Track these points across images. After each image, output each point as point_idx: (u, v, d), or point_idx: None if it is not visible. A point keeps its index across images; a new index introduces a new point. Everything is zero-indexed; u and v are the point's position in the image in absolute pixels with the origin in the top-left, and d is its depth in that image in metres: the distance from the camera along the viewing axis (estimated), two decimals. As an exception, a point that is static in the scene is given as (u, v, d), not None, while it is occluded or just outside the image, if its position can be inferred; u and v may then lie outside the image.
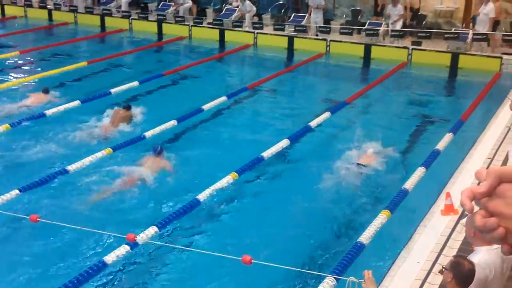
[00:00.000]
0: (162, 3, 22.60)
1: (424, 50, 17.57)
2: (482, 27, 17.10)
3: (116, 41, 21.23)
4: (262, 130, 12.12)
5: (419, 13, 19.42)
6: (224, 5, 21.97)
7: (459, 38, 17.33)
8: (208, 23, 21.00)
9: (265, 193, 9.35)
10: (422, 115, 13.36)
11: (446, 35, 17.64)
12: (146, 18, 21.88)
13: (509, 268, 4.96)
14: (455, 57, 16.94)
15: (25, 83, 14.49)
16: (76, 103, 12.57)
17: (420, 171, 9.22)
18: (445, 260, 6.02)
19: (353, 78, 17.38)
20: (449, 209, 7.69)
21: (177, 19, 21.20)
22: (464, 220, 7.15)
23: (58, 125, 11.43)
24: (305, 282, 6.82)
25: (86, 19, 22.64)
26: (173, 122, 11.51)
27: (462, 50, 17.16)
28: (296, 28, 19.44)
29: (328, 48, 18.57)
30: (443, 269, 4.66)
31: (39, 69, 16.30)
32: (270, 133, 11.68)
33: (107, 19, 22.25)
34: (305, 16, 20.02)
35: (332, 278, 6.13)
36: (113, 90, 13.63)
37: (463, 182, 8.69)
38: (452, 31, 17.85)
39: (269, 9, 21.60)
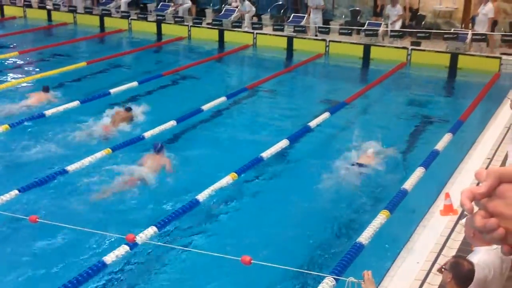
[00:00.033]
0: (161, 3, 22.60)
1: (423, 50, 17.59)
2: (481, 28, 17.11)
3: (116, 42, 21.23)
4: (261, 130, 12.13)
5: (418, 14, 19.43)
6: (223, 5, 21.98)
7: (458, 39, 17.35)
8: (208, 24, 21.01)
9: (265, 193, 9.35)
10: (422, 116, 13.37)
11: (445, 36, 17.65)
12: (145, 19, 21.89)
13: (508, 268, 4.97)
14: (454, 58, 16.95)
15: (24, 84, 14.49)
16: (76, 103, 12.57)
17: (419, 172, 9.23)
18: (444, 260, 6.02)
19: (353, 79, 17.39)
20: (448, 209, 7.69)
21: (176, 19, 21.20)
22: (463, 221, 7.16)
23: (57, 125, 11.43)
24: (304, 283, 6.82)
25: (85, 19, 22.64)
26: (173, 123, 11.51)
27: (461, 51, 17.17)
28: (295, 28, 19.44)
29: (327, 49, 18.58)
30: (443, 270, 4.66)
31: (39, 69, 16.29)
32: (269, 133, 11.68)
33: (106, 19, 22.26)
34: (304, 16, 20.03)
35: (332, 279, 6.13)
36: (112, 91, 13.63)
37: (462, 182, 8.70)
38: (451, 31, 17.87)
39: (269, 10, 21.60)
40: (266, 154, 9.99)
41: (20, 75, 15.56)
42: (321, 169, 9.61)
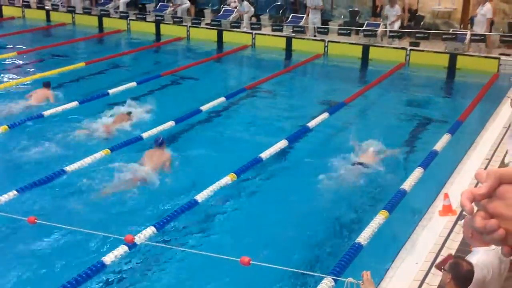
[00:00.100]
0: (160, 3, 22.60)
1: (422, 51, 17.59)
2: (480, 28, 17.13)
3: (114, 42, 21.23)
4: (260, 131, 12.12)
5: (417, 14, 19.45)
6: (222, 5, 21.98)
7: (457, 39, 17.36)
8: (206, 24, 21.01)
9: (264, 194, 9.35)
10: (420, 116, 13.37)
11: (444, 36, 17.66)
12: (144, 19, 21.88)
13: (507, 268, 4.97)
14: (453, 58, 16.96)
15: (23, 84, 14.47)
16: (74, 104, 12.56)
17: (418, 172, 9.23)
18: (441, 258, 6.02)
19: (351, 79, 17.39)
20: (447, 209, 7.69)
21: (175, 19, 21.20)
22: (462, 221, 7.16)
23: (56, 126, 11.42)
24: (303, 283, 6.82)
25: (84, 19, 22.63)
26: (171, 123, 11.50)
27: (460, 51, 17.18)
28: (294, 29, 19.45)
29: (326, 49, 18.58)
30: (442, 270, 4.66)
31: (37, 69, 16.27)
32: (268, 134, 11.67)
33: (105, 19, 22.25)
34: (303, 17, 20.04)
35: (331, 279, 6.12)
36: (111, 91, 13.62)
37: (461, 182, 8.71)
38: (450, 32, 17.88)
39: (267, 10, 21.60)
40: (265, 154, 9.99)
41: (18, 76, 15.54)
42: (320, 169, 9.61)
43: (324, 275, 6.27)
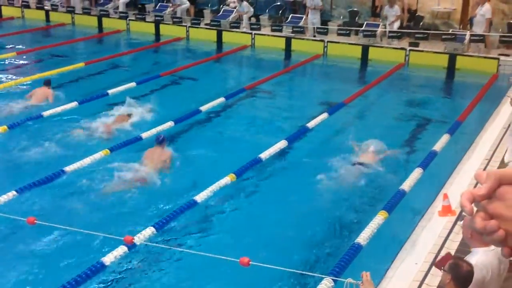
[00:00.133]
0: (159, 4, 22.60)
1: (422, 51, 17.60)
2: (479, 28, 17.14)
3: (114, 42, 21.22)
4: (260, 131, 12.12)
5: (416, 14, 19.45)
6: (221, 6, 21.98)
7: (456, 39, 17.37)
8: (206, 24, 21.01)
9: (263, 194, 9.34)
10: (420, 116, 13.37)
11: (443, 36, 17.67)
12: (143, 19, 21.88)
13: (506, 269, 4.98)
14: (452, 58, 16.97)
15: (22, 84, 14.46)
16: (74, 104, 12.56)
17: (417, 172, 9.23)
18: (439, 257, 6.02)
19: (351, 79, 17.39)
20: (446, 210, 7.69)
21: (174, 20, 21.19)
22: (462, 222, 7.16)
23: (55, 126, 11.42)
24: (303, 284, 6.82)
25: (83, 20, 22.62)
26: (170, 123, 11.49)
27: (460, 51, 17.19)
28: (294, 29, 19.45)
29: (325, 49, 18.59)
30: (442, 270, 4.66)
31: (37, 70, 16.27)
32: (268, 134, 11.67)
33: (104, 20, 22.25)
34: (302, 17, 20.04)
35: (330, 280, 6.12)
36: (110, 91, 13.62)
37: (460, 183, 8.71)
38: (450, 32, 17.89)
39: (267, 10, 21.60)
40: (264, 155, 9.99)
41: (18, 76, 15.53)
42: (319, 169, 9.61)
43: (323, 276, 6.27)
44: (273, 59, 18.95)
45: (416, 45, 17.89)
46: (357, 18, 20.04)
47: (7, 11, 23.95)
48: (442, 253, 6.70)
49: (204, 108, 12.66)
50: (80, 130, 11.23)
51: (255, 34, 19.68)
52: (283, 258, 7.19)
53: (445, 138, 10.84)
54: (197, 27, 20.73)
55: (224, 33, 20.12)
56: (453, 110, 13.77)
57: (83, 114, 12.04)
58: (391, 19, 18.52)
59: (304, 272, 6.57)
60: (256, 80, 15.67)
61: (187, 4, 21.73)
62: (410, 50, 17.62)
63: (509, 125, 9.56)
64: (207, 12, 22.39)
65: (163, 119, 11.71)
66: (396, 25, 18.50)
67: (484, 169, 9.13)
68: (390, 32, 18.32)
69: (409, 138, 11.88)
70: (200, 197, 8.34)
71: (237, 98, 14.11)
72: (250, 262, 5.81)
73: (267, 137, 11.31)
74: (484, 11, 16.93)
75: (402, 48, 17.79)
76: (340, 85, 16.55)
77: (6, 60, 17.10)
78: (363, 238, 7.16)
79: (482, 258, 4.73)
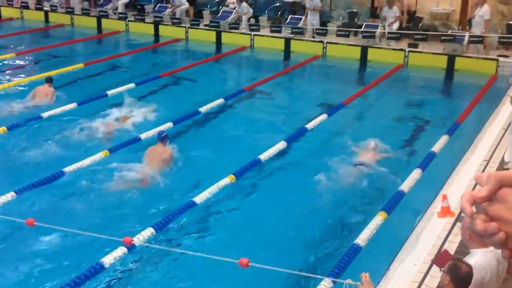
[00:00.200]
0: (158, 5, 22.60)
1: (421, 52, 17.60)
2: (478, 29, 17.15)
3: (113, 43, 21.21)
4: (259, 132, 12.12)
5: (415, 15, 19.47)
6: (220, 7, 21.97)
7: (455, 40, 17.38)
8: (205, 25, 21.01)
9: (263, 194, 9.35)
10: (419, 117, 13.39)
11: (442, 37, 17.68)
12: (142, 20, 21.88)
13: (505, 270, 4.98)
14: (451, 59, 16.98)
15: (21, 85, 14.46)
16: (73, 105, 12.55)
17: (416, 173, 9.24)
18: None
19: (350, 80, 17.40)
20: (445, 211, 7.70)
21: (173, 21, 21.19)
22: (461, 223, 7.17)
23: (54, 127, 11.41)
24: (302, 285, 6.82)
25: (82, 20, 22.61)
26: (169, 124, 11.49)
27: (459, 52, 17.20)
28: (293, 30, 19.46)
29: (324, 50, 18.59)
30: (441, 271, 4.67)
31: (36, 70, 16.26)
32: (267, 135, 11.67)
33: (103, 21, 22.23)
34: (301, 18, 20.05)
35: (329, 281, 6.13)
36: (109, 92, 13.62)
37: (459, 184, 8.71)
38: (449, 33, 17.90)
39: (266, 11, 21.60)
40: (264, 156, 9.99)
41: (17, 76, 15.53)
42: (318, 170, 9.62)
43: (322, 277, 6.27)
44: (272, 60, 18.95)
45: (415, 46, 17.90)
46: (356, 19, 20.05)
47: (6, 12, 23.93)
48: (441, 254, 6.71)
49: (203, 109, 12.66)
50: (79, 131, 11.22)
51: (254, 35, 19.68)
52: (282, 258, 7.19)
53: (444, 139, 10.85)
54: (196, 28, 20.73)
55: (223, 34, 20.12)
56: (452, 111, 13.77)
57: (82, 115, 12.03)
58: (390, 20, 18.53)
59: (303, 273, 6.57)
60: (255, 81, 15.68)
61: (186, 5, 21.73)
62: (409, 51, 17.62)
63: (509, 124, 9.56)
64: (206, 13, 22.39)
65: (162, 120, 11.71)
66: (395, 26, 18.51)
67: (483, 170, 9.15)
68: (389, 33, 18.34)
69: (408, 139, 11.89)
70: (199, 198, 8.35)
71: (236, 99, 14.11)
72: (249, 263, 5.82)
73: (266, 138, 11.31)
74: (483, 12, 16.95)
75: (401, 49, 17.80)
76: (339, 86, 16.55)
77: (5, 61, 17.08)
78: (362, 239, 7.16)
79: (481, 259, 4.73)
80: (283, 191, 9.36)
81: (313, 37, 19.32)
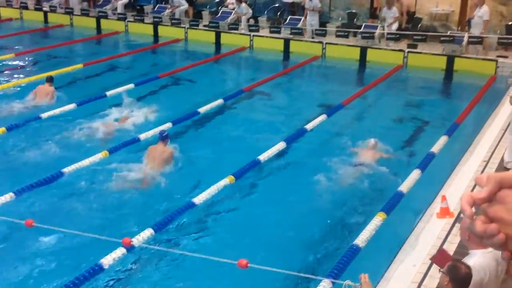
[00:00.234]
0: (158, 5, 22.59)
1: (420, 53, 17.60)
2: (477, 30, 17.16)
3: (112, 44, 21.20)
4: (258, 132, 12.11)
5: (414, 16, 19.47)
6: (220, 7, 21.97)
7: (454, 41, 17.38)
8: (204, 26, 21.00)
9: (262, 195, 9.34)
10: (418, 118, 13.39)
11: (441, 38, 17.68)
12: (142, 21, 21.87)
13: (504, 271, 4.98)
14: (450, 60, 16.98)
15: (20, 86, 14.45)
16: (72, 106, 12.54)
17: (415, 174, 9.24)
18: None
19: (349, 81, 17.40)
20: (445, 212, 7.69)
21: (173, 21, 21.19)
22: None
23: (54, 128, 11.40)
24: (301, 286, 6.82)
25: (81, 21, 22.60)
26: (168, 125, 11.49)
27: (458, 53, 17.21)
28: (292, 30, 19.46)
29: (324, 51, 18.60)
30: (440, 272, 4.67)
31: (35, 71, 16.25)
32: (266, 135, 11.67)
33: (103, 21, 22.22)
34: (301, 18, 20.05)
35: (329, 282, 6.13)
36: (109, 93, 13.61)
37: (459, 185, 8.71)
38: (448, 34, 17.91)
39: (265, 12, 21.60)
40: (263, 156, 9.99)
41: (16, 77, 15.53)
42: (318, 171, 9.62)
43: (322, 278, 6.27)
44: (271, 61, 18.95)
45: (415, 47, 17.91)
46: (355, 19, 20.05)
47: (5, 12, 23.92)
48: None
49: (202, 109, 12.66)
50: (78, 132, 11.21)
51: (253, 35, 19.69)
52: (281, 259, 7.19)
53: (443, 139, 10.85)
54: (196, 29, 20.73)
55: (222, 34, 20.12)
56: (451, 111, 13.78)
57: (81, 115, 12.03)
58: (389, 21, 18.54)
59: (302, 274, 6.57)
60: (254, 81, 15.67)
61: (186, 5, 21.73)
62: (408, 52, 17.63)
63: (508, 124, 9.56)
64: (205, 14, 22.39)
65: (161, 121, 11.71)
66: (395, 27, 18.51)
67: (483, 171, 9.15)
68: (388, 34, 18.34)
69: (407, 140, 11.89)
70: (198, 199, 8.34)
71: (235, 99, 14.11)
72: (248, 265, 5.81)
73: (265, 138, 11.31)
74: (482, 13, 16.95)
75: (400, 50, 17.80)
76: (338, 86, 16.55)
77: (5, 61, 17.07)
78: (361, 239, 7.16)
79: (480, 260, 4.73)
80: (283, 192, 9.36)
81: (313, 38, 19.32)
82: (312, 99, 15.07)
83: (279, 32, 19.73)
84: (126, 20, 21.89)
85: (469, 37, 17.18)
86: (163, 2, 22.73)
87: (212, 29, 20.38)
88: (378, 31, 18.61)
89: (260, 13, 21.79)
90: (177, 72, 16.43)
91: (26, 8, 23.84)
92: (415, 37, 18.09)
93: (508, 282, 5.11)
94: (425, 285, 6.16)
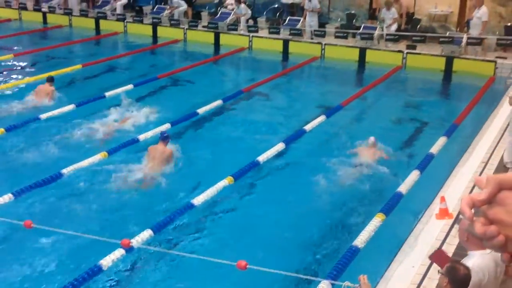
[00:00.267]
0: (157, 6, 22.59)
1: (419, 54, 17.62)
2: (476, 31, 17.17)
3: (111, 44, 21.20)
4: (257, 133, 12.11)
5: (413, 17, 19.49)
6: (219, 8, 21.98)
7: (453, 42, 17.40)
8: (203, 26, 21.00)
9: (261, 196, 9.34)
10: (417, 119, 13.39)
11: (440, 39, 17.70)
12: (141, 21, 21.86)
13: (503, 272, 4.98)
14: (449, 61, 17.00)
15: (19, 86, 14.44)
16: (71, 106, 12.54)
17: (414, 175, 9.24)
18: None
19: (348, 82, 17.41)
20: (443, 213, 7.69)
21: (172, 22, 21.19)
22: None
23: (53, 129, 11.39)
24: (300, 287, 6.81)
25: (81, 22, 22.58)
26: (167, 125, 11.49)
27: (457, 54, 17.22)
28: (291, 31, 19.47)
29: (323, 52, 18.60)
30: (439, 273, 4.67)
31: (34, 72, 16.23)
32: (265, 136, 11.67)
33: (102, 22, 22.21)
34: (300, 19, 20.05)
35: (328, 283, 6.12)
36: (107, 93, 13.60)
37: (457, 186, 8.71)
38: (447, 35, 17.92)
39: (264, 13, 21.61)
40: (262, 157, 9.99)
41: (15, 78, 15.51)
42: (316, 172, 9.62)
43: (321, 279, 6.27)
44: (270, 62, 18.96)
45: (413, 47, 17.92)
46: (354, 20, 20.07)
47: (4, 13, 23.90)
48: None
49: (201, 110, 12.66)
50: (77, 133, 11.20)
51: (252, 36, 19.69)
52: (280, 260, 7.19)
53: (442, 140, 10.86)
54: (195, 29, 20.72)
55: (221, 35, 20.12)
56: (450, 112, 13.79)
57: (80, 116, 12.01)
58: (388, 22, 18.55)
59: (301, 276, 6.56)
60: (253, 82, 15.68)
61: (185, 6, 21.73)
62: (407, 52, 17.64)
63: (507, 125, 9.56)
64: (204, 14, 22.39)
65: (160, 121, 11.71)
66: (394, 27, 18.53)
67: (482, 172, 9.15)
68: (387, 34, 18.35)
69: (406, 141, 11.90)
70: (197, 200, 8.34)
71: (234, 100, 14.11)
72: (247, 266, 5.81)
73: (264, 139, 11.31)
74: (481, 14, 16.97)
75: (399, 51, 17.81)
76: (337, 87, 16.55)
77: (4, 62, 17.05)
78: (360, 241, 7.16)
79: (478, 261, 4.73)
80: (282, 193, 9.35)
81: (312, 39, 19.32)
82: (311, 100, 15.08)
83: (278, 33, 19.74)
84: (125, 21, 21.88)
85: (468, 38, 17.19)
86: (162, 3, 22.73)
87: (211, 29, 20.38)
88: (377, 32, 18.62)
89: (259, 13, 21.79)
90: (176, 73, 16.43)
91: (25, 8, 23.82)
92: (414, 38, 18.10)
93: (507, 283, 5.11)
94: (424, 286, 6.16)
